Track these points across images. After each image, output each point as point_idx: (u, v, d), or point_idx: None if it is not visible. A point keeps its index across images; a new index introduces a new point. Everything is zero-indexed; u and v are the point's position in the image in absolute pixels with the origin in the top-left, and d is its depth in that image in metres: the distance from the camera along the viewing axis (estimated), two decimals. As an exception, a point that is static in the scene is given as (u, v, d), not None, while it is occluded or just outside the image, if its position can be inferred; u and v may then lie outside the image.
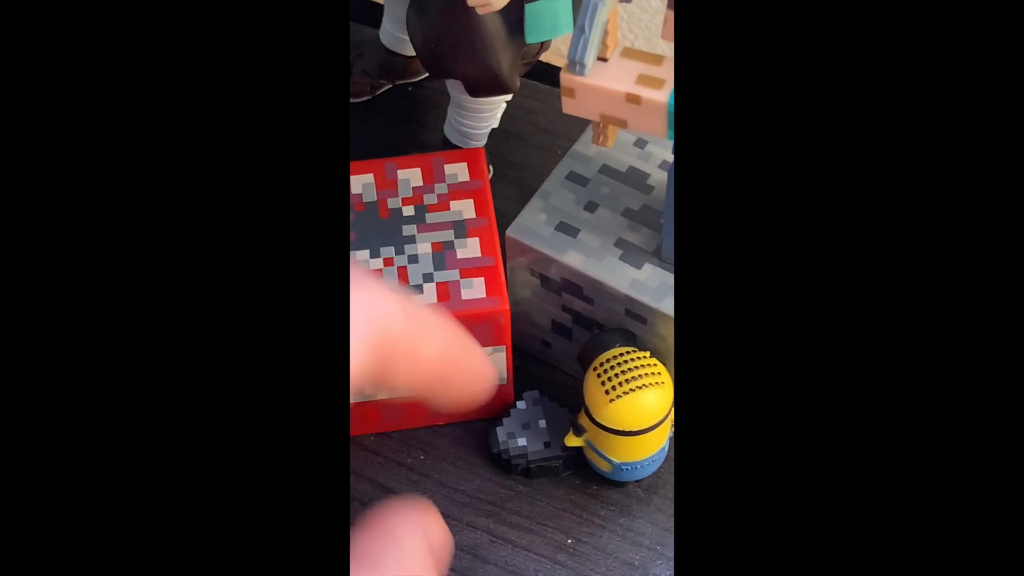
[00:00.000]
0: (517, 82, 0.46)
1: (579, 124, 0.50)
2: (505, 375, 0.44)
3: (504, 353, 0.43)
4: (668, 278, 0.42)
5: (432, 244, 0.42)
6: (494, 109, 0.49)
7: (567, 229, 0.44)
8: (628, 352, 0.42)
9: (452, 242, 0.42)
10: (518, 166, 0.53)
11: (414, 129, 0.55)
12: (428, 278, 0.41)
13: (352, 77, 0.55)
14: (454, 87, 0.48)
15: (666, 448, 0.44)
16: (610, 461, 0.43)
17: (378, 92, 0.56)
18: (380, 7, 0.54)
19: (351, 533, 0.24)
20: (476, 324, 0.41)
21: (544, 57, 0.48)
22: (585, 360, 0.42)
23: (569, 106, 0.40)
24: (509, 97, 0.49)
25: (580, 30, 0.38)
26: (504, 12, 0.43)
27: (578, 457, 0.44)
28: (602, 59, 0.39)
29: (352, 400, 0.25)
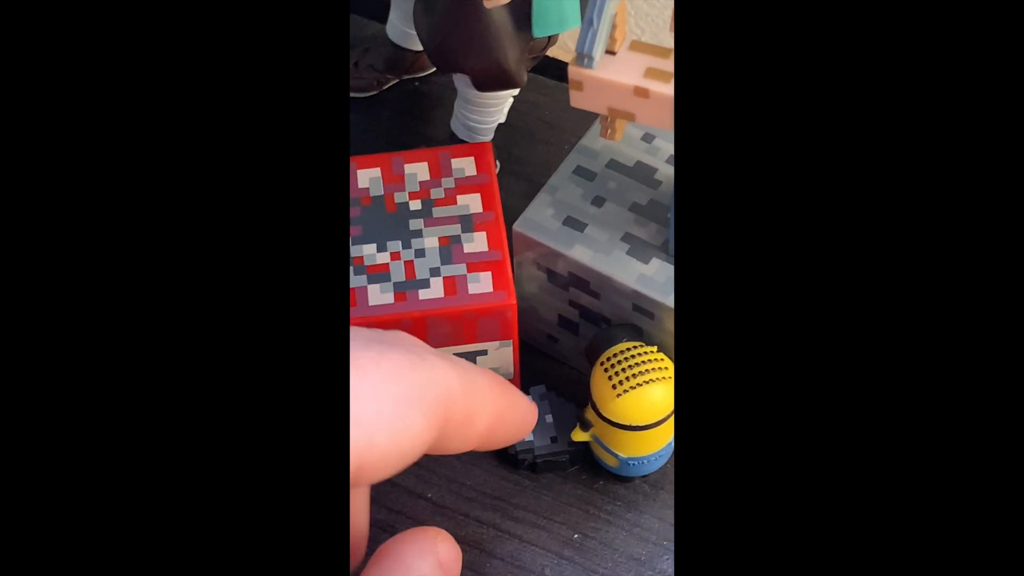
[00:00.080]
0: (524, 76, 0.46)
1: (586, 119, 0.50)
2: (512, 370, 0.44)
3: (511, 348, 0.43)
4: (675, 273, 0.42)
5: (439, 238, 0.42)
6: (501, 104, 0.49)
7: (574, 224, 0.44)
8: (635, 347, 0.42)
9: (459, 236, 0.42)
10: (524, 161, 0.53)
11: (420, 124, 0.55)
12: (435, 272, 0.41)
13: (358, 72, 0.55)
14: (461, 82, 0.48)
15: (673, 443, 0.44)
16: (617, 456, 0.42)
17: (384, 87, 0.56)
18: (387, 2, 0.54)
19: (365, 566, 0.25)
20: (483, 318, 0.41)
21: (551, 52, 0.48)
22: (592, 355, 0.42)
23: (577, 99, 0.40)
24: (516, 92, 0.49)
25: (588, 23, 0.38)
26: (511, 6, 0.43)
27: (585, 452, 0.44)
28: (610, 52, 0.39)
29: None
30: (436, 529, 0.29)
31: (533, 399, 0.45)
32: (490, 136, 0.50)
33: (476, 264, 0.41)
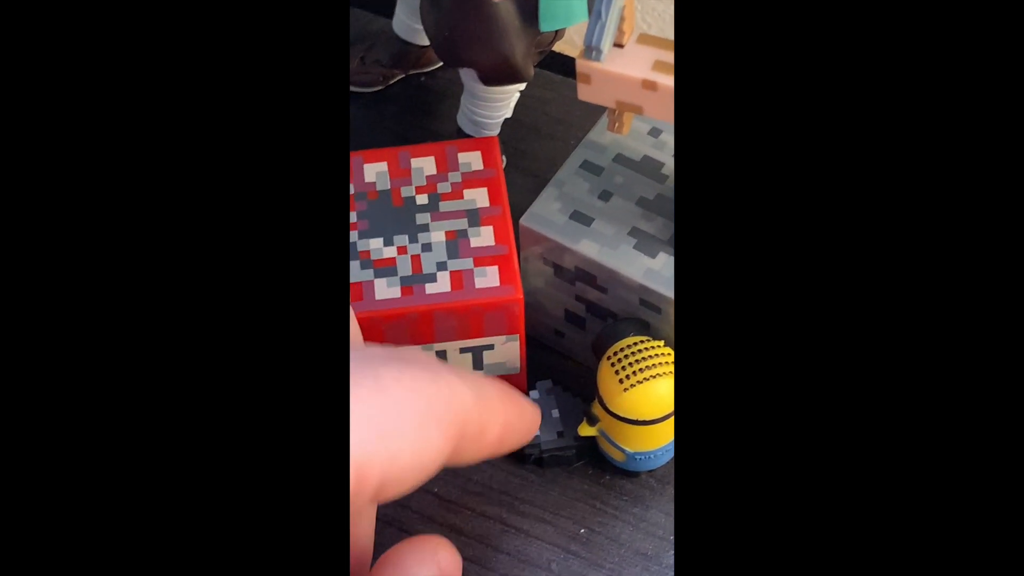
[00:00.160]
0: (531, 71, 0.46)
1: (592, 115, 0.50)
2: (518, 364, 0.44)
3: (517, 342, 0.43)
4: (683, 267, 0.42)
5: (446, 232, 0.42)
6: (508, 98, 0.49)
7: (581, 218, 0.43)
8: (642, 341, 0.41)
9: (466, 230, 0.42)
10: (531, 156, 0.53)
11: (427, 119, 0.55)
12: (442, 266, 0.41)
13: (364, 67, 0.55)
14: (468, 76, 0.48)
15: (680, 438, 0.44)
16: (623, 451, 0.42)
17: (391, 82, 0.55)
18: (393, -4, 0.54)
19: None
20: (490, 312, 0.41)
21: (557, 47, 0.48)
22: (599, 349, 0.42)
23: (585, 92, 0.40)
24: (523, 86, 0.49)
25: (597, 16, 0.38)
26: (518, 0, 0.43)
27: (591, 447, 0.44)
28: (618, 45, 0.39)
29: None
30: (437, 537, 0.29)
31: (540, 393, 0.45)
32: (496, 131, 0.50)
33: (483, 258, 0.41)
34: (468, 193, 0.43)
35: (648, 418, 0.41)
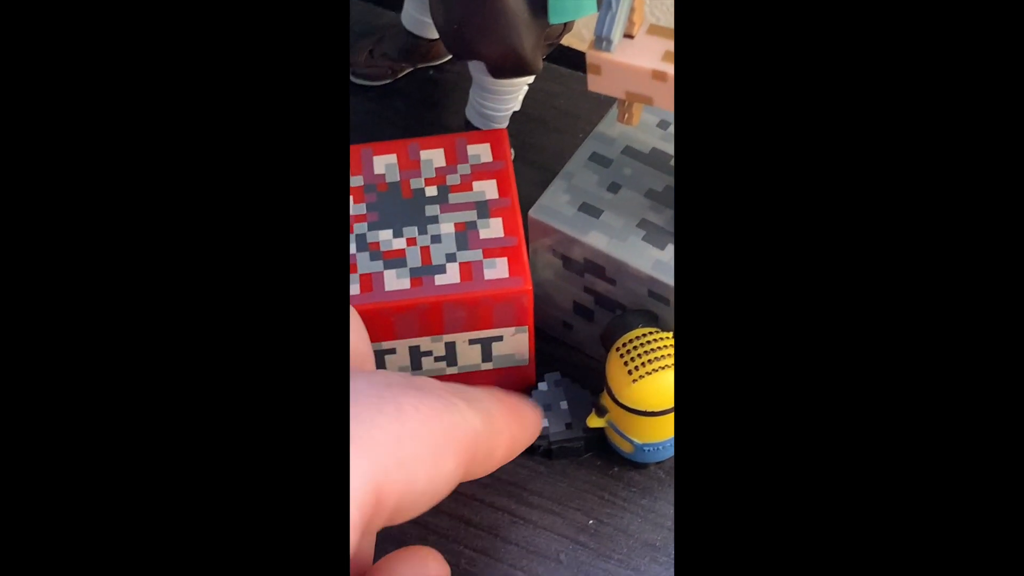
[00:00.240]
0: (540, 63, 0.46)
1: (600, 108, 0.50)
2: (527, 356, 0.44)
3: (526, 333, 0.43)
4: (691, 259, 0.42)
5: (455, 224, 0.42)
6: (516, 91, 0.49)
7: (590, 210, 0.44)
8: (651, 333, 0.42)
9: (475, 222, 0.42)
10: (539, 149, 0.53)
11: (435, 112, 0.55)
12: (451, 258, 0.41)
13: (373, 60, 0.55)
14: (476, 69, 0.48)
15: (688, 429, 0.44)
16: (632, 442, 0.42)
17: (399, 75, 0.56)
18: (402, -10, 0.54)
19: None
20: (499, 304, 0.41)
21: (565, 41, 0.48)
22: (608, 341, 0.42)
23: (595, 83, 0.40)
24: (531, 79, 0.49)
25: (607, 7, 0.38)
26: (528, -7, 0.43)
27: (600, 438, 0.44)
28: (628, 36, 0.39)
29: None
30: (427, 548, 0.30)
31: (548, 385, 0.45)
32: (505, 124, 0.50)
33: (492, 250, 0.42)
34: (477, 185, 0.43)
35: (656, 409, 0.41)
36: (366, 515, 0.25)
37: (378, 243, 0.42)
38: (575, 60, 0.55)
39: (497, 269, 0.41)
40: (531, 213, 0.43)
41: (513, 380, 0.44)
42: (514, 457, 0.32)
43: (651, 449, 0.43)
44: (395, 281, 0.41)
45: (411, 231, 0.42)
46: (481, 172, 0.44)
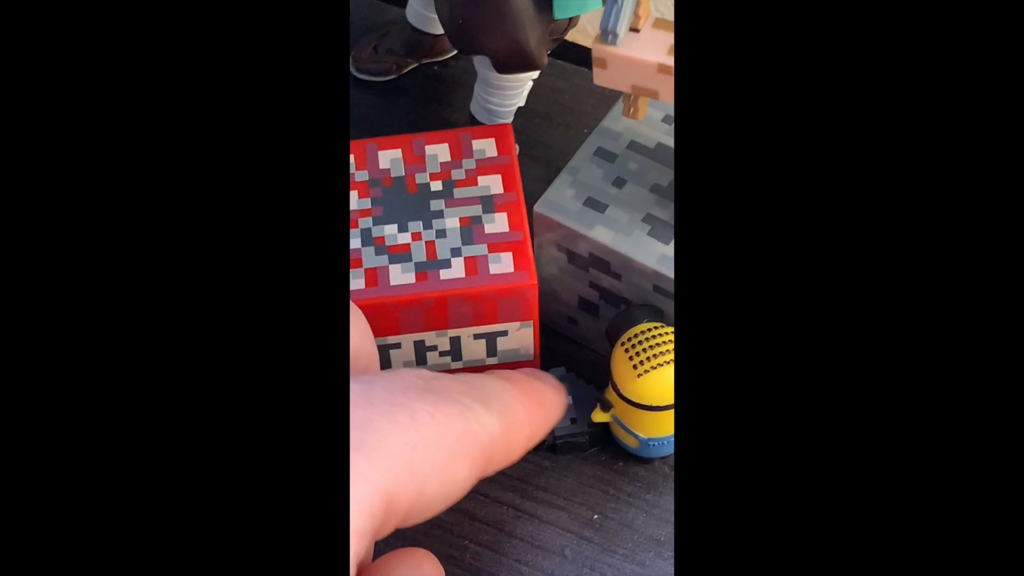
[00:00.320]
0: (545, 59, 0.46)
1: (605, 104, 0.50)
2: (532, 351, 0.44)
3: (531, 328, 0.43)
4: (697, 253, 0.42)
5: (460, 219, 0.42)
6: (521, 86, 0.49)
7: (595, 205, 0.44)
8: (656, 327, 0.42)
9: (480, 217, 0.42)
10: (544, 145, 0.53)
11: (440, 108, 0.55)
12: (456, 252, 0.41)
13: (378, 56, 0.55)
14: (481, 64, 0.48)
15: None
16: (637, 437, 0.42)
17: (404, 71, 0.56)
18: (406, -15, 0.54)
19: None
20: (504, 298, 0.41)
21: (570, 36, 0.48)
22: (613, 335, 0.42)
23: (600, 77, 0.40)
24: (536, 74, 0.49)
25: (613, 0, 0.38)
26: (532, -13, 0.43)
27: (605, 433, 0.44)
28: (634, 30, 0.39)
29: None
30: (422, 551, 0.31)
31: None
32: (510, 119, 0.50)
33: (497, 244, 0.41)
34: (482, 180, 0.43)
35: (661, 404, 0.41)
36: (377, 522, 0.25)
37: (383, 237, 0.42)
38: (580, 56, 0.55)
39: (502, 264, 0.41)
40: (536, 208, 0.43)
41: (517, 375, 0.44)
42: (535, 445, 0.33)
43: (656, 444, 0.43)
44: (400, 276, 0.41)
45: (416, 226, 0.42)
46: (486, 167, 0.44)
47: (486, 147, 0.44)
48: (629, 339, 0.41)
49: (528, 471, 0.44)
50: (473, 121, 0.51)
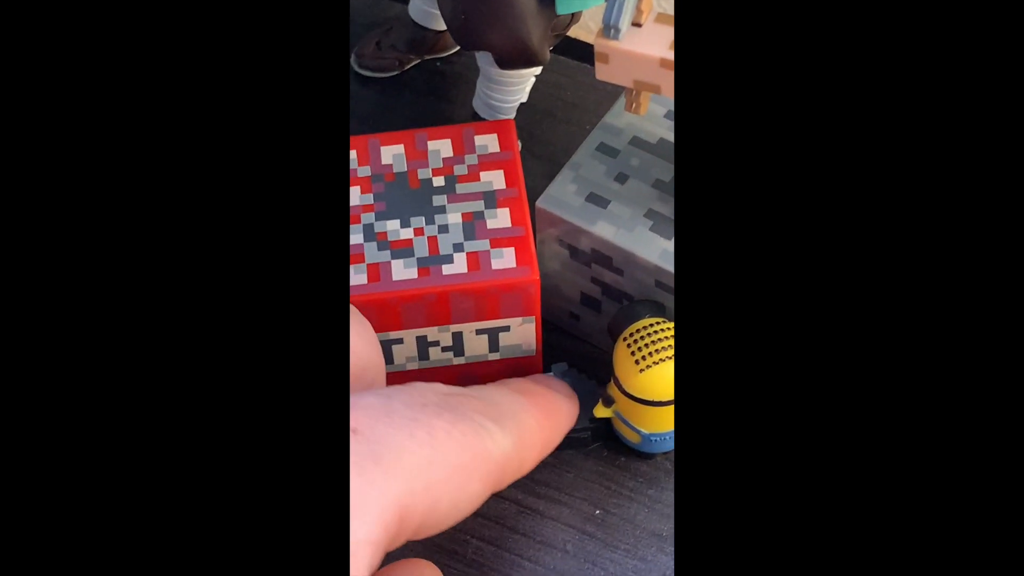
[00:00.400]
0: (547, 54, 0.46)
1: (607, 100, 0.50)
2: (534, 347, 0.44)
3: (533, 324, 0.43)
4: (699, 249, 0.42)
5: (462, 214, 0.42)
6: (523, 82, 0.49)
7: (597, 200, 0.44)
8: (658, 323, 0.42)
9: (482, 212, 0.42)
10: (546, 141, 0.53)
11: (442, 104, 0.55)
12: (458, 248, 0.41)
13: (380, 52, 0.55)
14: (484, 60, 0.48)
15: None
16: (639, 432, 0.42)
17: (407, 67, 0.56)
18: (409, -19, 0.54)
19: None
20: (506, 294, 0.41)
21: (572, 32, 0.48)
22: (615, 331, 0.42)
23: (603, 72, 0.40)
24: (538, 70, 0.49)
25: (615, -5, 0.38)
26: (535, -17, 0.43)
27: (606, 429, 0.44)
28: (636, 24, 0.39)
29: None
30: (424, 561, 0.31)
31: (555, 376, 0.45)
32: (512, 115, 0.50)
33: (499, 240, 0.42)
34: (484, 175, 0.43)
35: (663, 399, 0.41)
36: (390, 535, 0.25)
37: (385, 233, 0.42)
38: (582, 52, 0.55)
39: (504, 259, 0.41)
40: (538, 203, 0.43)
41: (519, 371, 0.44)
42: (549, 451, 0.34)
43: (658, 439, 0.43)
44: (403, 271, 0.41)
45: (418, 221, 0.42)
46: (488, 162, 0.44)
47: (488, 143, 0.44)
48: (631, 334, 0.41)
49: (530, 466, 0.44)
50: (475, 117, 0.51)
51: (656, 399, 0.41)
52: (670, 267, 0.42)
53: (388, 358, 0.43)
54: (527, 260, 0.41)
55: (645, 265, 0.42)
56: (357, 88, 0.55)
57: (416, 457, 0.26)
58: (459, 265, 0.41)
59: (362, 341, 0.30)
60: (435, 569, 0.31)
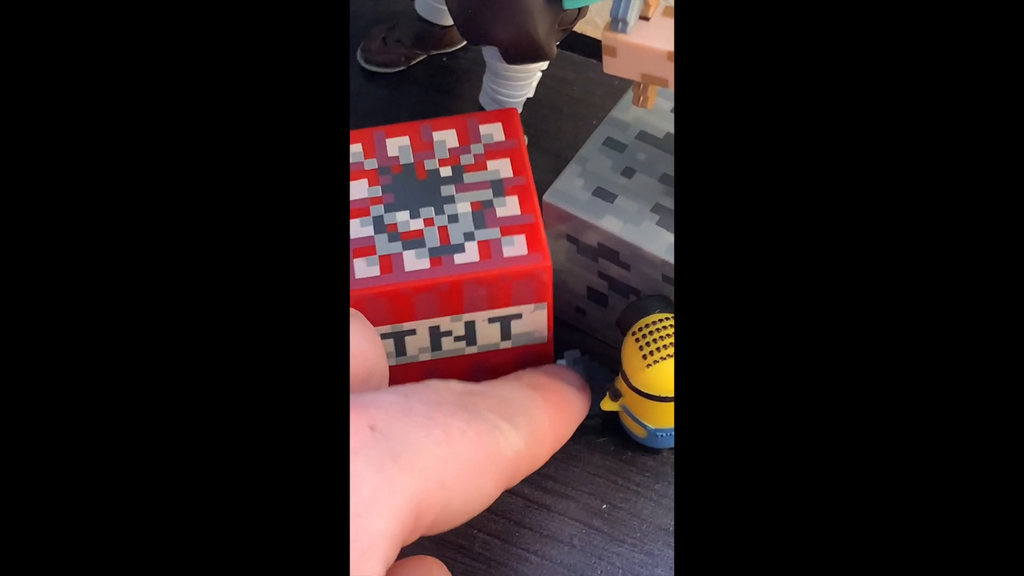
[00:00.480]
0: (554, 49, 0.46)
1: (614, 95, 0.50)
2: (546, 334, 0.44)
3: (545, 311, 0.43)
4: (707, 241, 0.42)
5: (471, 203, 0.42)
6: (529, 77, 0.49)
7: (604, 195, 0.44)
8: (667, 318, 0.42)
9: (491, 201, 0.42)
10: (552, 136, 0.53)
11: (449, 99, 0.55)
12: (469, 236, 0.41)
13: (387, 47, 0.55)
14: (490, 54, 0.48)
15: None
16: (645, 427, 0.42)
17: (413, 62, 0.56)
18: (415, -23, 0.54)
19: None
20: (518, 281, 0.41)
21: (578, 28, 0.48)
22: (624, 325, 0.42)
23: (610, 66, 0.40)
24: (545, 65, 0.49)
25: (624, -13, 0.38)
26: (542, -22, 0.43)
27: (613, 423, 0.44)
28: (644, 18, 0.39)
29: None
30: (431, 558, 0.31)
31: (567, 363, 0.45)
32: (518, 110, 0.50)
33: (509, 227, 0.42)
34: (491, 164, 0.43)
35: (669, 395, 0.41)
36: (406, 530, 0.26)
37: (395, 224, 0.42)
38: (589, 47, 0.55)
39: (515, 246, 0.41)
40: (545, 197, 0.44)
41: (531, 359, 0.44)
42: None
43: (664, 434, 0.43)
44: (415, 261, 0.41)
45: (428, 211, 0.42)
46: (494, 151, 0.44)
47: (493, 132, 0.44)
48: (640, 329, 0.41)
49: (536, 459, 0.44)
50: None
51: (662, 394, 0.41)
52: (678, 260, 0.42)
53: (401, 349, 0.43)
54: (538, 247, 0.41)
55: (652, 259, 0.42)
56: (363, 84, 0.55)
57: (432, 455, 0.26)
58: (471, 254, 0.41)
59: (369, 344, 0.30)
60: (442, 567, 0.31)
